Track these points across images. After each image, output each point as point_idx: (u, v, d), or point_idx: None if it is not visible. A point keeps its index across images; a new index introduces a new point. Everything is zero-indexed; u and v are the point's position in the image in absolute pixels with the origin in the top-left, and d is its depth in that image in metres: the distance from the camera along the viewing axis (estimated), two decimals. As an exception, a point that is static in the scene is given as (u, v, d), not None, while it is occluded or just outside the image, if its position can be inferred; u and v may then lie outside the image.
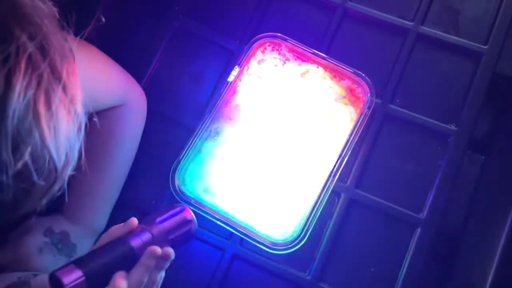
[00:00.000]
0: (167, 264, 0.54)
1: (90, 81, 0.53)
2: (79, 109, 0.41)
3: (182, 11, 0.85)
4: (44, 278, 0.57)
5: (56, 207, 0.69)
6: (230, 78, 0.77)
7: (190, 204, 0.71)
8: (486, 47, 0.79)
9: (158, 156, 0.77)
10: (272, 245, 0.69)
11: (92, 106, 0.46)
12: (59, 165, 0.40)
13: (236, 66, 0.78)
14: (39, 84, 0.36)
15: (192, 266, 0.73)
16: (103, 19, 0.71)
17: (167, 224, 0.56)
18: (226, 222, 0.70)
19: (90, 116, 0.44)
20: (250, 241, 0.69)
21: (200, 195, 0.73)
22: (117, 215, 0.73)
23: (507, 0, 0.81)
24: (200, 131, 0.75)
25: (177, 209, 0.58)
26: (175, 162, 0.73)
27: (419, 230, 0.72)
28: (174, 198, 0.72)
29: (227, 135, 0.76)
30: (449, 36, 0.80)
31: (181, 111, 0.80)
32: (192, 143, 0.74)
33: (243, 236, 0.70)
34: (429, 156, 0.76)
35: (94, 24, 0.58)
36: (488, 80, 0.78)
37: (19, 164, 0.36)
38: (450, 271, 0.73)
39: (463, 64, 0.79)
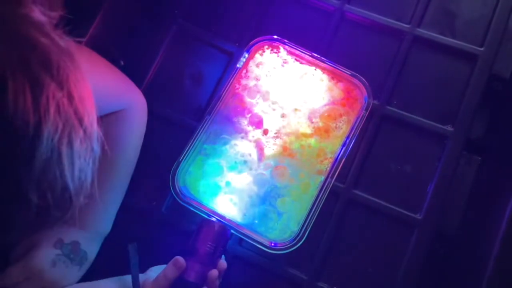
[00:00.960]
0: (223, 273, 0.65)
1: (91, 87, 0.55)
2: (95, 144, 0.43)
3: (181, 14, 0.86)
4: None
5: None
6: (239, 64, 0.78)
7: (189, 205, 0.72)
8: (482, 49, 0.80)
9: (158, 157, 0.78)
10: (271, 245, 0.69)
11: None
12: (74, 195, 0.42)
13: (245, 53, 0.79)
14: (64, 127, 0.38)
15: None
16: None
17: (208, 247, 0.64)
18: (226, 222, 0.71)
19: None
20: (249, 241, 0.70)
21: (200, 196, 0.74)
22: (118, 216, 0.74)
23: (502, 3, 0.82)
24: (200, 132, 0.75)
25: (209, 229, 0.66)
26: (175, 163, 0.74)
27: (416, 230, 0.73)
28: (175, 200, 0.73)
29: (226, 136, 0.77)
30: (445, 38, 0.81)
31: (181, 113, 0.81)
32: (192, 145, 0.75)
33: (242, 237, 0.70)
34: (426, 157, 0.77)
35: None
36: (484, 82, 0.78)
37: (42, 201, 0.38)
38: (447, 272, 0.74)
39: (459, 66, 0.80)
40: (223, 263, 0.65)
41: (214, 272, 0.63)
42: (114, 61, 0.76)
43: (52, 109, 0.37)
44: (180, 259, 0.62)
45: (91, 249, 0.70)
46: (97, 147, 0.43)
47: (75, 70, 0.41)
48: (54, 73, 0.38)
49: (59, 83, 0.38)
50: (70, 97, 0.39)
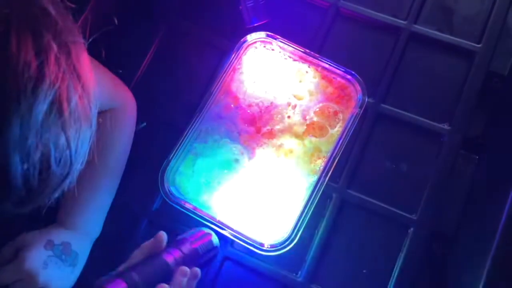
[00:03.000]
0: (195, 283, 0.61)
1: None
2: (93, 107, 0.44)
3: (174, 10, 0.85)
4: None
5: (48, 217, 0.68)
6: (231, 61, 0.78)
7: (179, 205, 0.71)
8: (479, 45, 0.79)
9: (148, 157, 0.77)
10: (262, 246, 0.68)
11: None
12: (74, 155, 0.42)
13: (237, 50, 0.78)
14: (63, 79, 0.40)
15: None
16: (116, 21, 0.73)
17: (199, 249, 0.63)
18: (217, 223, 0.69)
19: None
20: (241, 242, 0.69)
21: (190, 196, 0.72)
22: (108, 216, 0.72)
23: (500, -1, 0.81)
24: (190, 131, 0.74)
25: (207, 236, 0.66)
26: (164, 162, 0.72)
27: (412, 230, 0.72)
28: (165, 200, 0.71)
29: (217, 134, 0.75)
30: (442, 35, 0.80)
31: (171, 111, 0.79)
32: (182, 144, 0.73)
33: (233, 238, 0.69)
34: (422, 155, 0.76)
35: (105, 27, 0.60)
36: (481, 79, 0.77)
37: (43, 151, 0.39)
38: (443, 272, 0.73)
39: (456, 63, 0.79)
40: (198, 271, 0.62)
41: (187, 269, 0.60)
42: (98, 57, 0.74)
43: (51, 57, 0.39)
44: (163, 233, 0.60)
45: (82, 250, 0.69)
46: (94, 109, 0.45)
47: (71, 31, 0.43)
48: (52, 27, 0.41)
49: (57, 36, 0.40)
50: (68, 52, 0.41)
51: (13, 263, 0.62)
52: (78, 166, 0.44)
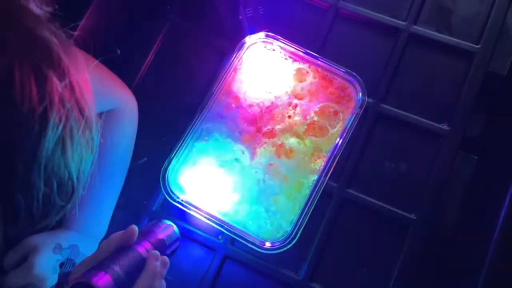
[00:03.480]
0: (165, 272, 0.58)
1: None
2: (95, 133, 0.45)
3: (174, 11, 0.85)
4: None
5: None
6: (232, 61, 0.78)
7: (181, 204, 0.71)
8: (478, 46, 0.79)
9: (150, 156, 0.77)
10: (263, 245, 0.68)
11: None
12: (76, 185, 0.44)
13: (238, 50, 0.78)
14: (67, 118, 0.40)
15: (183, 266, 0.73)
16: (119, 51, 0.73)
17: (165, 239, 0.62)
18: (217, 222, 0.70)
19: None
20: (242, 241, 0.69)
21: (191, 195, 0.73)
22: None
23: (499, 0, 0.81)
24: (191, 130, 0.74)
25: (170, 228, 0.64)
26: (166, 161, 0.73)
27: (410, 230, 0.72)
28: (166, 199, 0.72)
29: (219, 134, 0.76)
30: (441, 35, 0.80)
31: (173, 111, 0.80)
32: (184, 143, 0.74)
33: (234, 236, 0.69)
34: (421, 156, 0.76)
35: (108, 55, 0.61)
36: (480, 80, 0.78)
37: (46, 188, 0.41)
38: (443, 271, 0.73)
39: (455, 63, 0.79)
40: (167, 258, 0.59)
41: (167, 259, 0.58)
42: (109, 50, 0.74)
43: (56, 99, 0.39)
44: (134, 227, 0.57)
45: (90, 251, 0.67)
46: (96, 137, 0.45)
47: (74, 62, 0.42)
48: (55, 64, 0.40)
49: (61, 74, 0.40)
50: (72, 88, 0.41)
51: (22, 267, 0.62)
52: (80, 192, 0.45)
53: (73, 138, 0.41)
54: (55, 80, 0.40)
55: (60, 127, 0.40)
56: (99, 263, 0.53)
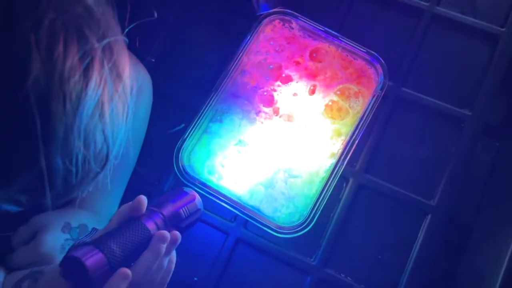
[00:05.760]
0: (173, 248, 0.54)
1: None
2: (131, 101, 0.45)
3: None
4: (56, 266, 0.55)
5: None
6: (249, 39, 0.75)
7: (194, 184, 0.69)
8: (503, 29, 0.77)
9: (163, 136, 0.75)
10: (278, 229, 0.67)
11: None
12: (112, 152, 0.44)
13: (255, 27, 0.76)
14: (106, 81, 0.41)
15: (194, 250, 0.71)
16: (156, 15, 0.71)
17: (181, 212, 0.57)
18: (232, 204, 0.68)
19: None
20: (256, 223, 0.67)
21: (205, 176, 0.71)
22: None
23: (527, -19, 0.78)
24: (205, 110, 0.72)
25: (190, 197, 0.59)
26: (179, 141, 0.71)
27: (429, 217, 0.70)
28: (178, 179, 0.70)
29: (233, 114, 0.74)
30: (465, 17, 0.78)
31: (186, 90, 0.78)
32: (198, 123, 0.72)
33: (248, 219, 0.68)
34: (441, 141, 0.74)
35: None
36: (505, 64, 0.76)
37: (86, 153, 0.41)
38: (461, 260, 0.72)
39: (479, 46, 0.77)
40: (178, 234, 0.55)
41: (165, 234, 0.52)
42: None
43: (96, 59, 0.40)
44: (142, 198, 0.54)
45: None
46: (131, 104, 0.45)
47: (111, 25, 0.43)
48: (94, 25, 0.40)
49: (100, 35, 0.41)
50: (110, 50, 0.41)
51: (30, 245, 0.61)
52: (113, 160, 0.45)
53: (112, 101, 0.41)
54: (94, 40, 0.40)
55: (100, 89, 0.40)
56: (98, 238, 0.50)
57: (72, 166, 0.40)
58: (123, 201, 0.71)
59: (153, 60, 0.73)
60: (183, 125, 0.74)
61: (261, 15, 0.77)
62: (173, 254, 0.55)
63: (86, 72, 0.39)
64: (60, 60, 0.38)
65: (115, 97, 0.42)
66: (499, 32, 0.77)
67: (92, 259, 0.47)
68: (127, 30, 0.47)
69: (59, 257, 0.61)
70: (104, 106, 0.41)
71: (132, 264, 0.50)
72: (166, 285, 0.55)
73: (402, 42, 0.78)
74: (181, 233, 0.55)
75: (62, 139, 0.39)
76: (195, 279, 0.70)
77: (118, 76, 0.42)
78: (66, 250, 0.60)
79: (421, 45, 0.78)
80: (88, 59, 0.39)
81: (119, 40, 0.43)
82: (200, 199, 0.59)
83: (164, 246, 0.52)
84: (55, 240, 0.61)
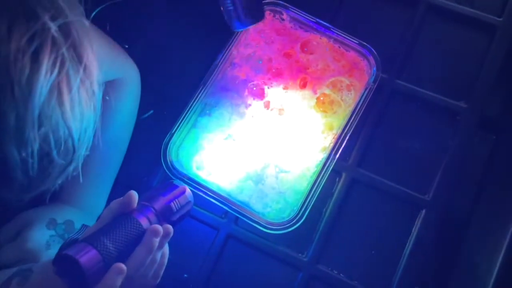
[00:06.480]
0: (166, 242, 0.54)
1: None
2: (96, 89, 0.42)
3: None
4: (47, 263, 0.55)
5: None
6: (238, 31, 0.72)
7: (182, 180, 0.68)
8: (501, 19, 0.76)
9: (150, 131, 0.74)
10: (268, 224, 0.66)
11: None
12: (77, 144, 0.41)
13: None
14: (62, 64, 0.38)
15: (185, 246, 0.70)
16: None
17: (173, 205, 0.57)
18: (221, 200, 0.67)
19: None
20: (246, 220, 0.67)
21: (194, 171, 0.70)
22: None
23: (524, -30, 0.77)
24: (194, 104, 0.71)
25: (181, 190, 0.59)
26: (167, 136, 0.70)
27: (424, 212, 0.70)
28: (167, 175, 0.69)
29: (223, 108, 0.73)
30: (462, 7, 0.77)
31: (175, 83, 0.77)
32: (186, 117, 0.71)
33: (238, 215, 0.67)
34: (436, 134, 0.73)
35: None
36: (502, 55, 0.75)
37: (42, 142, 0.38)
38: (455, 256, 0.70)
39: (476, 37, 0.76)
40: (170, 227, 0.55)
41: (158, 228, 0.53)
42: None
43: (48, 40, 0.37)
44: (133, 193, 0.54)
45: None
46: (99, 93, 0.42)
47: (72, 5, 0.40)
48: (49, 7, 0.38)
49: (54, 14, 0.38)
50: (68, 31, 0.39)
51: (15, 242, 0.60)
52: (82, 152, 0.43)
53: (71, 86, 0.39)
54: (48, 21, 0.37)
55: (55, 72, 0.37)
56: (91, 235, 0.50)
57: (28, 157, 0.38)
58: (112, 197, 0.70)
59: (127, 46, 0.72)
60: (152, 111, 0.73)
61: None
62: (166, 248, 0.55)
63: (36, 55, 0.36)
64: (4, 41, 0.35)
65: (74, 84, 0.39)
66: (496, 22, 0.76)
67: (86, 256, 0.47)
68: (95, 11, 0.44)
69: (44, 253, 0.60)
70: (62, 94, 0.38)
71: (126, 259, 0.50)
72: (159, 279, 0.55)
73: (397, 33, 0.77)
74: (172, 226, 0.55)
75: (14, 127, 0.36)
76: (185, 275, 0.69)
77: (78, 61, 0.39)
78: (51, 246, 0.60)
79: (416, 36, 0.77)
80: (38, 41, 0.36)
81: (79, 22, 0.40)
82: (190, 191, 0.60)
83: (157, 240, 0.52)
84: (40, 236, 0.61)
